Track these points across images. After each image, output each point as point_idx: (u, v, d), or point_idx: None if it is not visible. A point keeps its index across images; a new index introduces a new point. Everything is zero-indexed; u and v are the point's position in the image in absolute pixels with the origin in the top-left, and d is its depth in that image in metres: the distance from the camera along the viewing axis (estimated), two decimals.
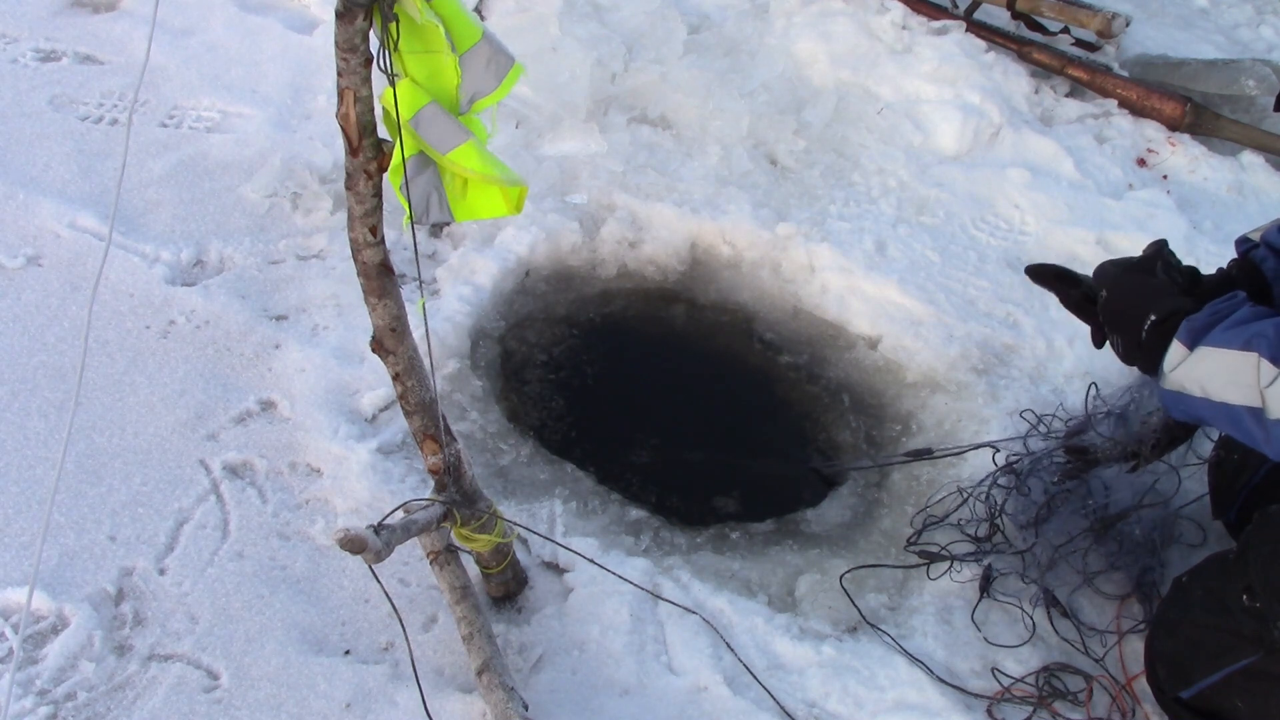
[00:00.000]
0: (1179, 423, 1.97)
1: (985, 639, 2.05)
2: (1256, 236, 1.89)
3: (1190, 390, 1.59)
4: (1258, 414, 1.49)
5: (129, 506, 2.15)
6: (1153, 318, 1.68)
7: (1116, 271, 1.80)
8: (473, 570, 2.00)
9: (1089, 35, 4.13)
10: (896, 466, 2.52)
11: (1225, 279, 1.87)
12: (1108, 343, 1.82)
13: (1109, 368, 2.47)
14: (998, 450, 2.35)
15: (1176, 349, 1.62)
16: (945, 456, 2.46)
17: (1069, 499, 2.21)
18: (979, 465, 2.39)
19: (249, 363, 2.53)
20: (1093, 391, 2.31)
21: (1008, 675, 1.98)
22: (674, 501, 2.45)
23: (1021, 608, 2.08)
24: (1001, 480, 2.30)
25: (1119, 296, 1.77)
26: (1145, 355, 1.69)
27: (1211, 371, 1.55)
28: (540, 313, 2.94)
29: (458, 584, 1.88)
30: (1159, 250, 1.81)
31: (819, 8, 4.15)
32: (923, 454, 2.48)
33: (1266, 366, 1.48)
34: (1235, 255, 1.94)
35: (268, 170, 3.11)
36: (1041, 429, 2.40)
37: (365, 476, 2.23)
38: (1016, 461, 2.30)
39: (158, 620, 1.95)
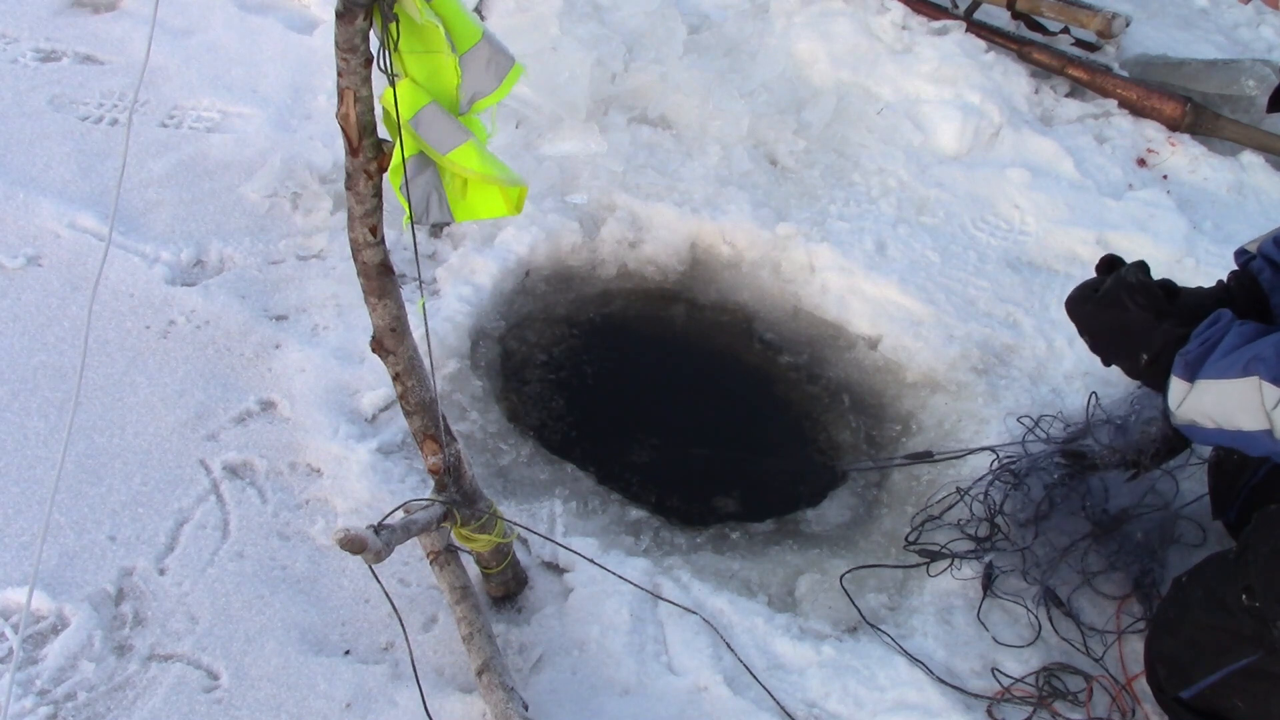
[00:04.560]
0: (1179, 433, 1.98)
1: (989, 638, 2.05)
2: (1254, 248, 1.89)
3: (1201, 423, 1.61)
4: (1271, 434, 1.51)
5: (129, 506, 2.15)
6: (1144, 357, 1.69)
7: (1088, 314, 1.80)
8: (473, 570, 2.00)
9: (1089, 35, 4.13)
10: (896, 468, 2.52)
11: (1223, 291, 1.87)
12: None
13: (1109, 368, 2.47)
14: (997, 457, 2.36)
15: (1177, 385, 1.62)
16: (954, 458, 2.45)
17: (1068, 498, 2.21)
18: (980, 465, 2.39)
19: (249, 363, 2.53)
20: (1093, 400, 2.32)
21: (1008, 675, 1.98)
22: (674, 501, 2.45)
23: (1025, 606, 2.09)
24: (1000, 479, 2.30)
25: (1103, 345, 1.81)
26: (1149, 384, 1.73)
27: (1216, 403, 1.56)
28: (540, 313, 2.94)
29: (458, 584, 1.88)
30: (1118, 277, 1.78)
31: (819, 8, 4.15)
32: (921, 457, 2.48)
33: (1269, 389, 1.49)
34: (1235, 265, 1.93)
35: (268, 170, 3.11)
36: (1039, 433, 2.41)
37: (365, 476, 2.23)
38: (1014, 462, 2.30)
39: (158, 620, 1.95)
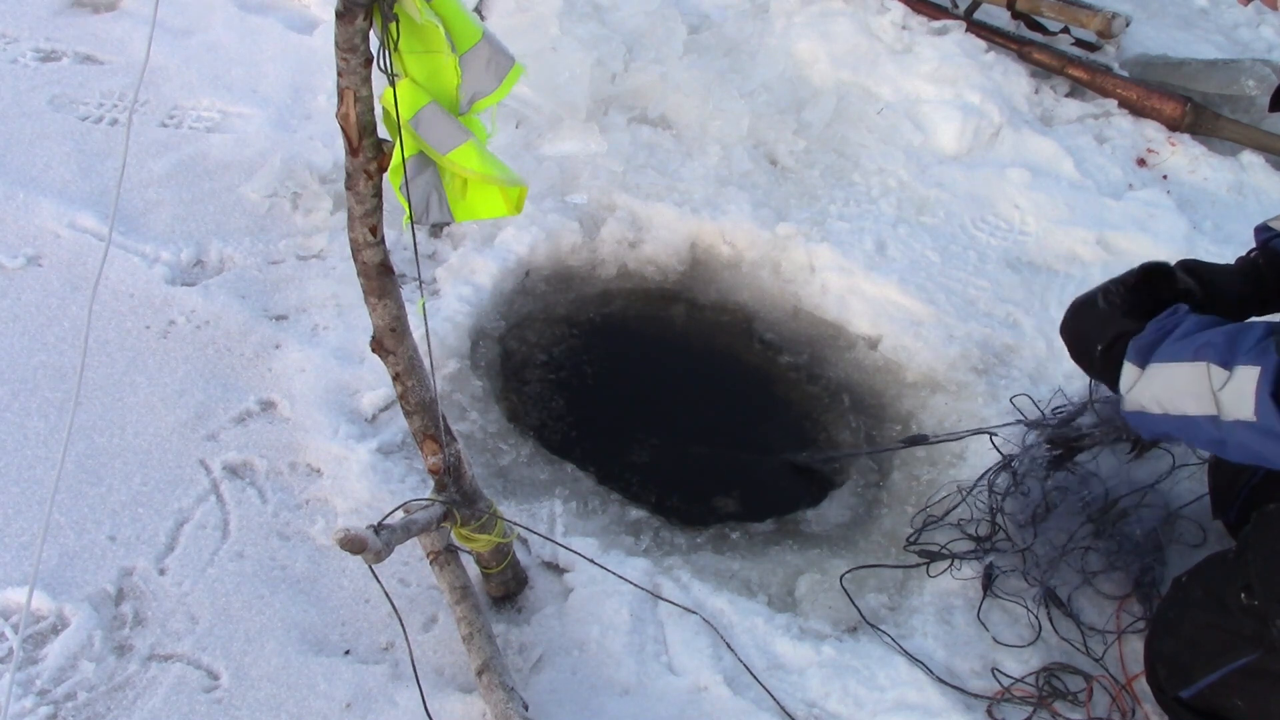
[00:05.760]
0: None
1: (989, 638, 2.05)
2: (1278, 226, 1.89)
3: (1149, 408, 1.61)
4: (1215, 420, 1.51)
5: (129, 506, 2.15)
6: (1099, 347, 1.72)
7: (1066, 316, 1.87)
8: (473, 570, 2.00)
9: (1089, 35, 4.13)
10: (896, 467, 2.52)
11: (1252, 268, 1.87)
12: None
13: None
14: (994, 435, 2.35)
15: (1129, 370, 1.64)
16: (940, 443, 2.45)
17: (1067, 496, 2.21)
18: (978, 465, 2.39)
19: (249, 363, 2.53)
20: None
21: (1008, 675, 1.98)
22: (674, 501, 2.45)
23: (1025, 606, 2.09)
24: (1000, 479, 2.29)
25: (1068, 340, 1.85)
26: (1104, 381, 1.75)
27: (1165, 386, 1.57)
28: (540, 313, 2.94)
29: (458, 584, 1.88)
30: (1104, 285, 1.84)
31: (819, 8, 4.14)
32: (917, 440, 2.47)
33: (1217, 370, 1.50)
34: (1255, 244, 1.92)
35: (268, 170, 3.11)
36: (1040, 412, 2.40)
37: (365, 476, 2.23)
38: (1013, 460, 2.30)
39: (158, 620, 1.95)
